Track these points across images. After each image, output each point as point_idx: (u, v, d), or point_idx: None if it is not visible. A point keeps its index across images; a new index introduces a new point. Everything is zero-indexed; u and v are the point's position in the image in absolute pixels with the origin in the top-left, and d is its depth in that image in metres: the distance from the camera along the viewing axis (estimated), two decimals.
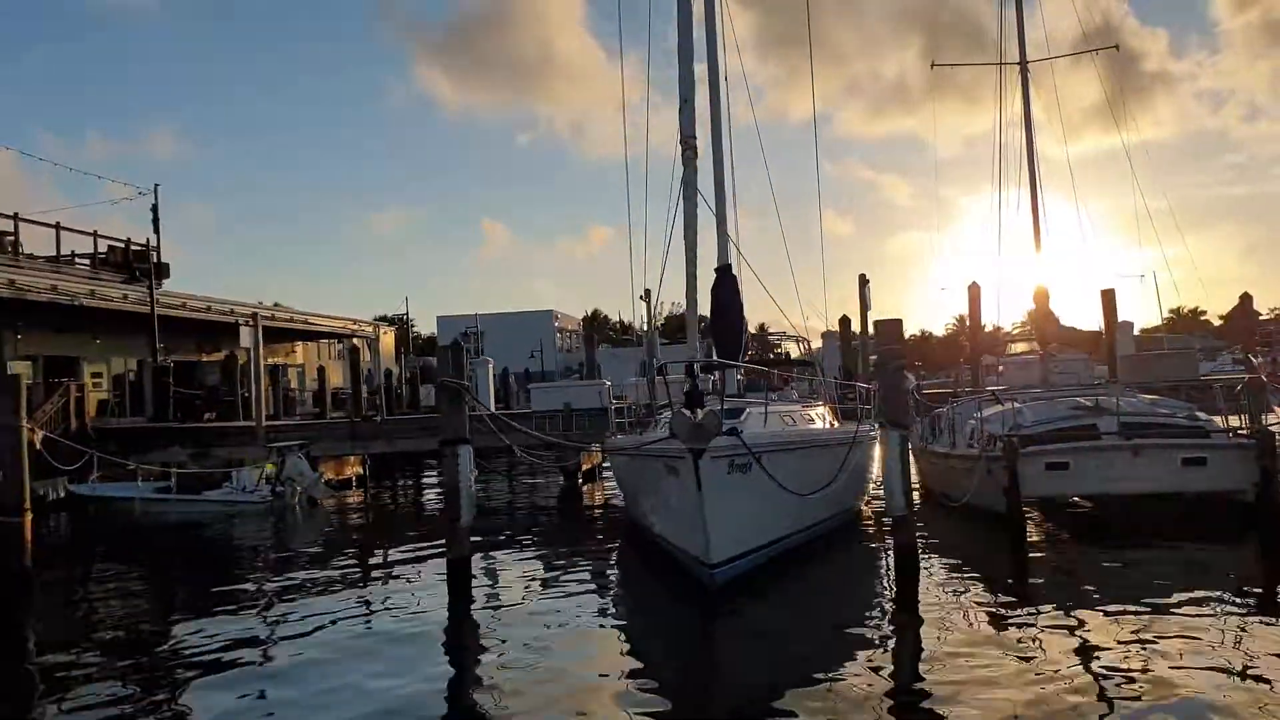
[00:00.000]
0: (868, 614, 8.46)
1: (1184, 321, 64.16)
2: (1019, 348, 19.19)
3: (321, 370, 32.07)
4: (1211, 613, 7.73)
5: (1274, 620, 7.52)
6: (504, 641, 7.88)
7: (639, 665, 7.08)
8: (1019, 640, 7.19)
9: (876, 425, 11.49)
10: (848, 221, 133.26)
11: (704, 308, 12.84)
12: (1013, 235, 17.64)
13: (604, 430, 17.07)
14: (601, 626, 8.60)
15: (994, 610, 8.25)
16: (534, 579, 10.55)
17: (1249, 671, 6.18)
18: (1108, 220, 42.11)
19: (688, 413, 7.88)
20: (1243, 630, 7.28)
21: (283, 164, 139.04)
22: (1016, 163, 16.62)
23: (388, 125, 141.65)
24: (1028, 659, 6.68)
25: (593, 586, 10.20)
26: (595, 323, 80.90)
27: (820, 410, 13.91)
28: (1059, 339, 16.86)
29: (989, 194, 17.73)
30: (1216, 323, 65.33)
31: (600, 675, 6.87)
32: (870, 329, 27.15)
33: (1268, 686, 5.86)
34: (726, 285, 13.23)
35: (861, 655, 7.00)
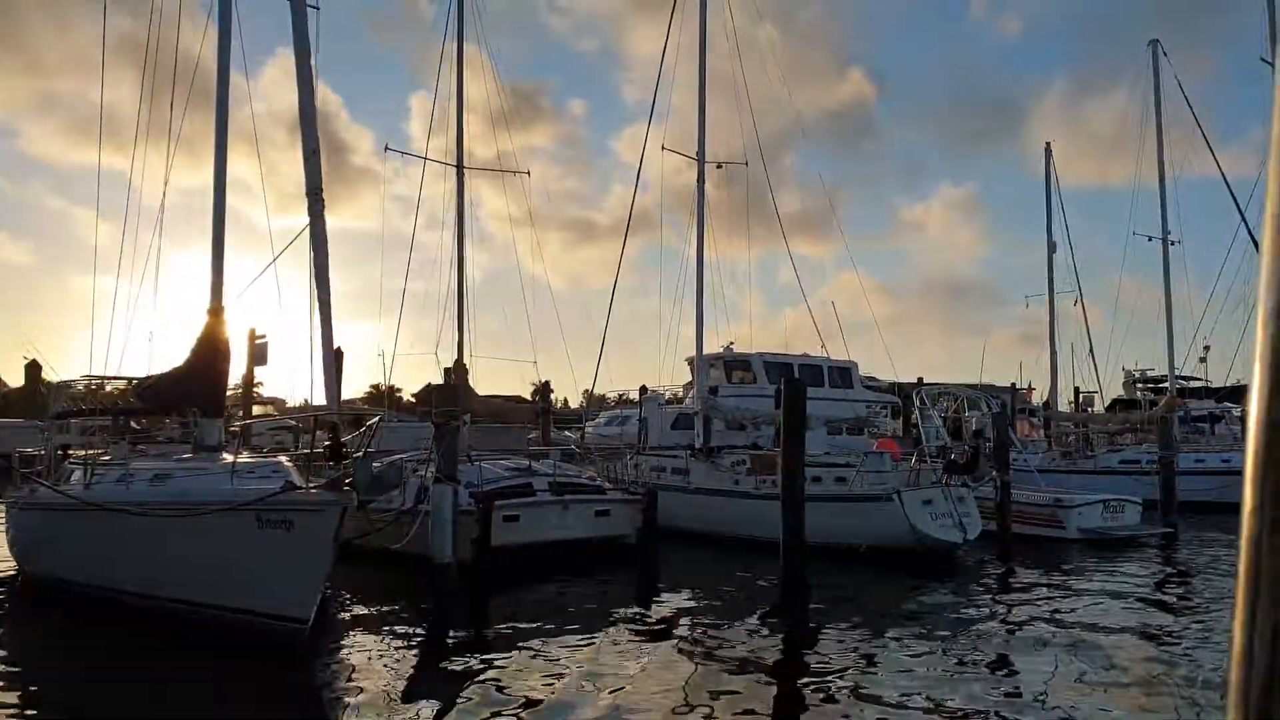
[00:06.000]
0: (424, 654, 9.36)
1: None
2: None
3: None
4: (606, 625, 10.61)
5: (646, 626, 10.77)
6: None
7: None
8: (512, 664, 8.77)
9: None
10: (23, 249, 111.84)
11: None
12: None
13: None
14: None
15: (479, 641, 9.91)
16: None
17: (623, 663, 8.88)
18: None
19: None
20: (626, 632, 10.33)
21: None
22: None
23: None
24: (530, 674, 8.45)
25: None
26: None
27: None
28: (480, 407, 19.43)
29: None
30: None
31: None
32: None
33: (631, 669, 8.66)
34: (214, 332, 12.54)
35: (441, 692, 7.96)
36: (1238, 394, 30.89)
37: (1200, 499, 20.00)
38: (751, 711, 7.48)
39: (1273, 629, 0.57)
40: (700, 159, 22.33)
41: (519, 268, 20.53)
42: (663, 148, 22.77)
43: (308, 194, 9.38)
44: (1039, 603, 12.24)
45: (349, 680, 8.48)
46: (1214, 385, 33.69)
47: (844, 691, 7.96)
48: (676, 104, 26.06)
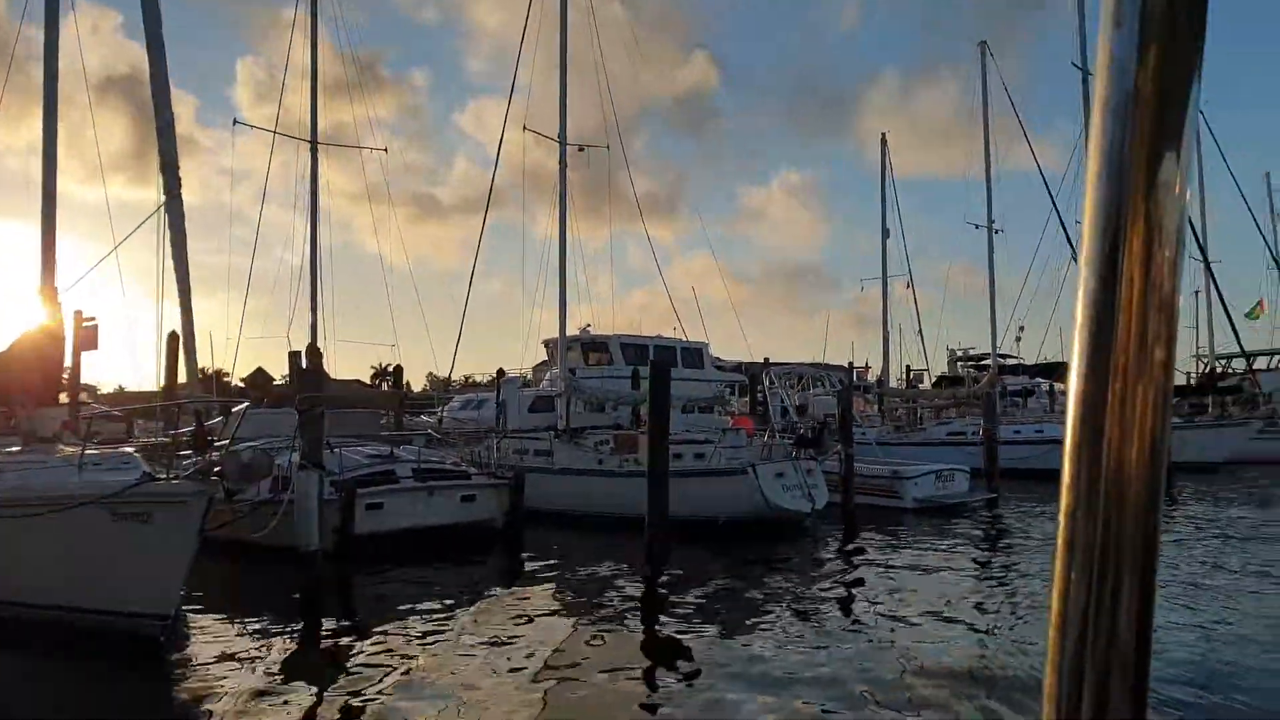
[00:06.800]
0: (289, 645, 9.25)
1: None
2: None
3: None
4: (473, 611, 10.70)
5: (512, 610, 10.63)
6: None
7: None
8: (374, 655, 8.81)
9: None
10: None
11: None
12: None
13: None
14: None
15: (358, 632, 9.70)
16: None
17: (489, 649, 8.93)
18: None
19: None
20: (492, 617, 10.41)
21: None
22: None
23: None
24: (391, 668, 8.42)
25: None
26: None
27: None
28: (336, 392, 18.82)
29: None
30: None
31: None
32: None
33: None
34: (48, 315, 11.71)
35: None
36: (1047, 370, 33.87)
37: (1018, 466, 21.93)
38: (615, 688, 7.79)
39: (1086, 596, 0.58)
40: (562, 141, 22.33)
41: (378, 248, 20.13)
42: (524, 128, 22.66)
43: (162, 170, 8.92)
44: (880, 569, 13.21)
45: (213, 677, 8.23)
46: (1027, 363, 36.76)
47: (705, 672, 8.25)
48: (529, 82, 25.86)
